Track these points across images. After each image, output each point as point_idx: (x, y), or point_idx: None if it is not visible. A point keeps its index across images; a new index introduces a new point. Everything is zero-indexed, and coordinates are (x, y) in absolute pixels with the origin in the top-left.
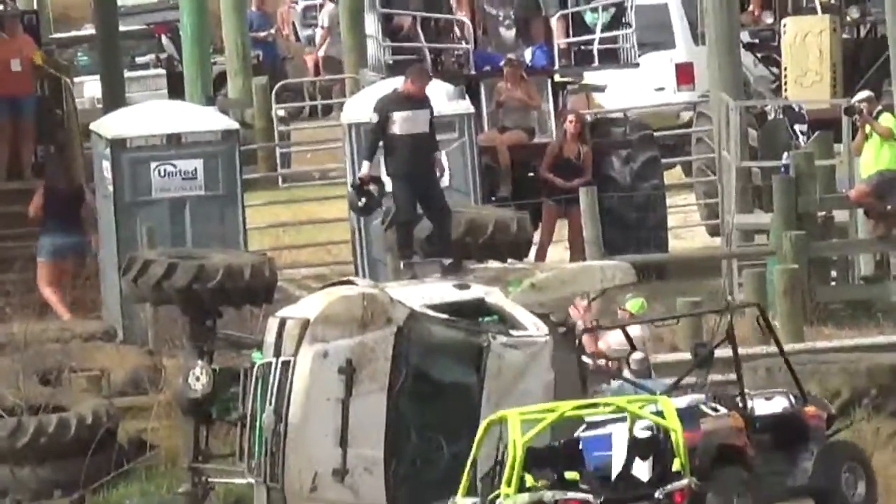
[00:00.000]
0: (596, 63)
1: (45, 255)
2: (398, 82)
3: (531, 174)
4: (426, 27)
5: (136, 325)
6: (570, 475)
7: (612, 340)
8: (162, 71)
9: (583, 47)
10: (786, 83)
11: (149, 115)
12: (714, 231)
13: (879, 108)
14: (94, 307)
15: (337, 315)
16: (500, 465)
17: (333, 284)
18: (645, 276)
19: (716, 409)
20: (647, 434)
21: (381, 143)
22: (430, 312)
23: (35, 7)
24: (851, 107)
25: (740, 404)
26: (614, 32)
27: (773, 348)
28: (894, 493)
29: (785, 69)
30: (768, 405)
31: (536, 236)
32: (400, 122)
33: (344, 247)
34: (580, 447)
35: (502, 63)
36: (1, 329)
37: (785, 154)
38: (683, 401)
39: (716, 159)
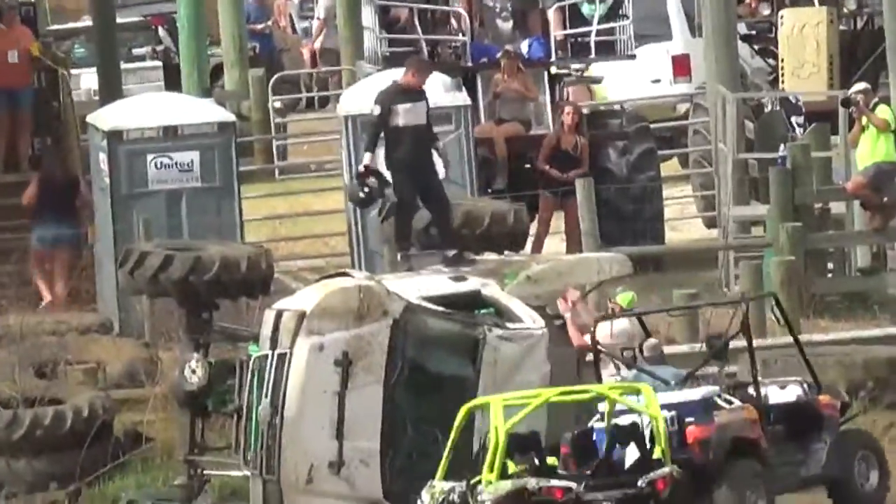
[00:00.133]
0: (593, 55)
1: (37, 243)
2: (395, 74)
3: (528, 166)
4: (423, 19)
5: (132, 318)
6: (551, 460)
7: (598, 335)
8: (158, 63)
9: (579, 39)
10: (783, 75)
11: (145, 107)
12: (710, 223)
13: (876, 99)
14: (91, 299)
15: (333, 307)
16: (483, 451)
17: (330, 276)
18: (641, 268)
19: (730, 402)
20: (629, 421)
21: (381, 136)
22: (427, 305)
23: None
24: (848, 98)
25: (754, 396)
26: (611, 24)
27: (767, 341)
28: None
29: (782, 61)
30: (782, 394)
31: (533, 228)
32: (402, 115)
33: (340, 239)
34: (594, 438)
35: (499, 55)
36: None
37: (781, 146)
38: (698, 393)
39: (712, 151)
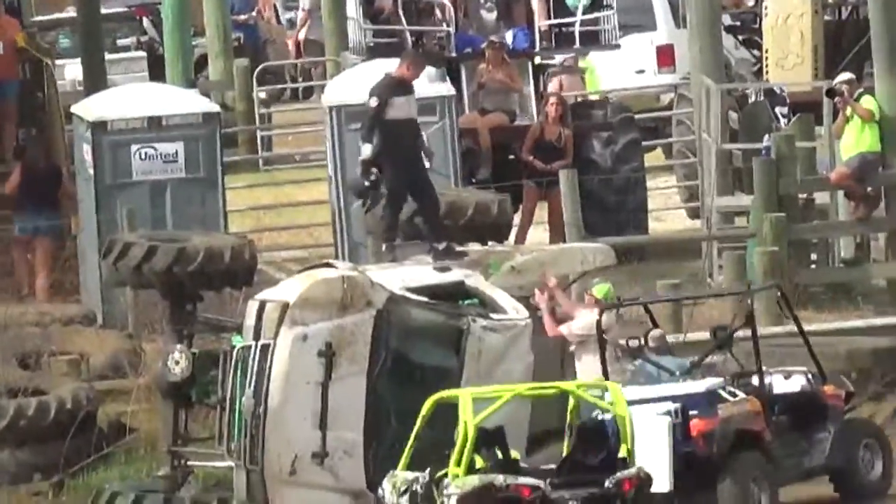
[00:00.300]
0: (577, 45)
1: (19, 233)
2: (380, 64)
3: (512, 157)
4: (407, 9)
5: (115, 309)
6: (515, 454)
7: (575, 326)
8: (143, 53)
9: (564, 29)
10: (767, 65)
11: (130, 98)
12: (694, 213)
13: (861, 90)
14: (74, 290)
15: (317, 298)
16: (450, 444)
17: (313, 267)
18: (625, 259)
19: (734, 394)
20: (595, 419)
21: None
22: (410, 295)
23: None
24: (833, 89)
25: (759, 387)
26: (595, 14)
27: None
28: None
29: (766, 51)
30: (787, 384)
31: (516, 219)
32: (397, 107)
33: (324, 229)
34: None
35: (484, 45)
36: None
37: (766, 136)
38: (702, 385)
39: (696, 141)
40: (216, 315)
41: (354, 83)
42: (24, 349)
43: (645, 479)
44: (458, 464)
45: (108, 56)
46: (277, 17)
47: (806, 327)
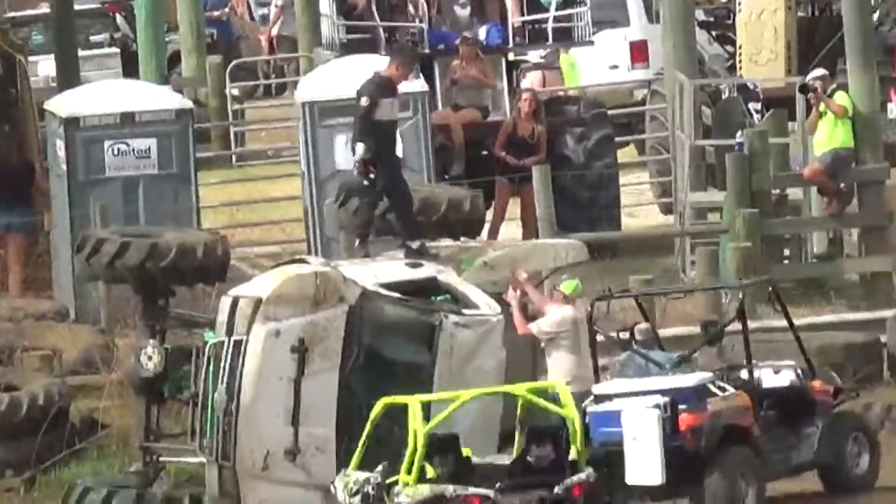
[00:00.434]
0: (550, 41)
1: None
2: (352, 61)
3: (485, 153)
4: (380, 5)
5: (88, 304)
6: (466, 451)
7: (544, 323)
8: (116, 50)
9: (537, 25)
10: (740, 61)
11: (103, 94)
12: (667, 209)
13: (834, 86)
14: (47, 286)
15: (289, 294)
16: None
17: (286, 263)
18: (598, 255)
19: (723, 389)
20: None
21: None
22: (383, 291)
23: None
24: (806, 85)
25: (748, 382)
26: (569, 10)
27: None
28: None
29: (740, 47)
30: (776, 379)
31: (489, 215)
32: (383, 108)
33: (297, 225)
34: (586, 421)
35: (458, 41)
36: None
37: (739, 132)
38: (692, 379)
39: (669, 137)
40: (189, 311)
41: (327, 79)
42: None
43: (595, 484)
44: (409, 472)
45: (81, 52)
46: (250, 13)
47: (779, 322)
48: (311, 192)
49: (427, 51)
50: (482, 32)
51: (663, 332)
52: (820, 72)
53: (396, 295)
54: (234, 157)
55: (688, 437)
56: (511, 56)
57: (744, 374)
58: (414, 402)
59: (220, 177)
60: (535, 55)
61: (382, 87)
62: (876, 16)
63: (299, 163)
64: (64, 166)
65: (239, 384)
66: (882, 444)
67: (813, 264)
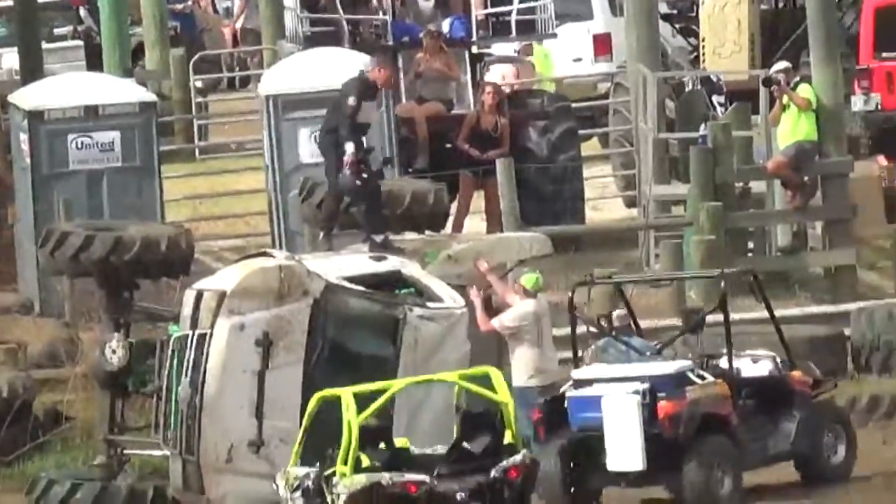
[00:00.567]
0: (514, 34)
1: None
2: (316, 53)
3: (449, 145)
4: None
5: (52, 298)
6: (401, 442)
7: (506, 318)
8: (80, 43)
9: (500, 18)
10: (704, 54)
11: (66, 87)
12: (631, 202)
13: (797, 78)
14: (11, 279)
15: (254, 287)
16: (338, 441)
17: (250, 256)
18: (562, 248)
19: (702, 377)
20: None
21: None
22: (347, 284)
23: None
24: (770, 78)
25: (727, 371)
26: (532, 3)
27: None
28: None
29: (703, 40)
30: (754, 368)
31: (453, 208)
32: (364, 111)
33: (261, 218)
34: (565, 405)
35: (422, 34)
36: None
37: (702, 125)
38: (671, 367)
39: (633, 130)
40: (153, 304)
41: (291, 72)
42: None
43: (531, 466)
44: (345, 462)
45: (44, 45)
46: (214, 6)
47: (743, 315)
48: (274, 185)
49: (391, 43)
50: (445, 25)
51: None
52: (783, 64)
53: (360, 288)
54: (197, 151)
55: (666, 425)
56: (475, 49)
57: (723, 363)
58: (347, 393)
59: (183, 170)
60: (509, 48)
61: (367, 88)
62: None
63: (263, 156)
64: (28, 159)
65: (203, 377)
66: None
67: (777, 257)
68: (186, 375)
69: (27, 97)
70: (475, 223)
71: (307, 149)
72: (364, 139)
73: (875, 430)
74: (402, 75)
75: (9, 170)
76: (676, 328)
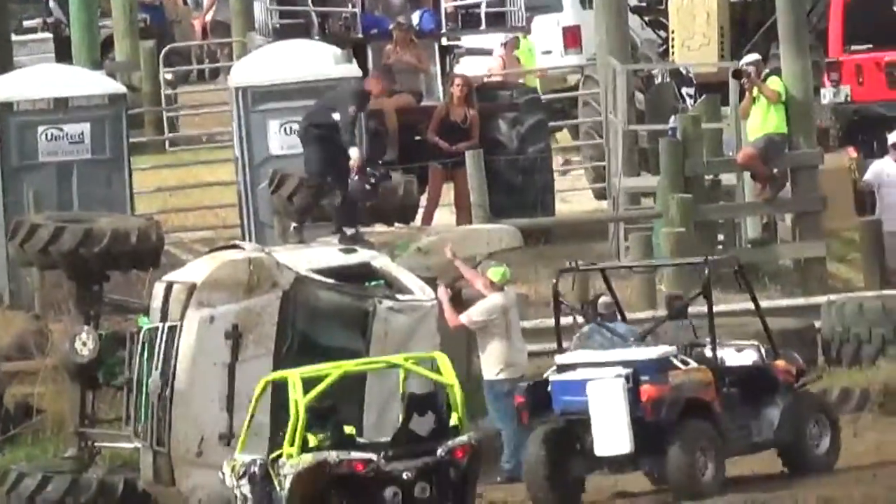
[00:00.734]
0: (483, 26)
1: None
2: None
3: (418, 138)
4: None
5: (22, 290)
6: (348, 430)
7: (474, 313)
8: (49, 35)
9: (470, 10)
10: (673, 46)
11: (36, 79)
12: (601, 194)
13: (767, 70)
14: None
15: (223, 279)
16: (284, 424)
17: (220, 248)
18: (531, 240)
19: (686, 363)
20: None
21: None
22: (317, 277)
23: None
24: (739, 70)
25: (711, 358)
26: None
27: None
28: None
29: (672, 32)
30: (738, 357)
31: (423, 200)
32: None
33: (231, 210)
34: (548, 389)
35: (391, 26)
36: None
37: (672, 117)
38: (655, 352)
39: (603, 122)
40: (123, 296)
41: (260, 64)
42: None
43: (477, 447)
44: (292, 443)
45: (13, 37)
46: None
47: (728, 307)
48: (244, 177)
49: (360, 35)
50: (415, 17)
51: None
52: (753, 57)
53: (330, 281)
54: (167, 143)
55: (649, 409)
56: (444, 41)
57: (707, 351)
58: (294, 375)
59: (153, 162)
60: (488, 40)
61: (364, 99)
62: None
63: (233, 148)
64: None
65: (173, 370)
66: None
67: (747, 250)
68: (156, 368)
69: None
70: (445, 215)
71: (277, 141)
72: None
73: (846, 423)
74: (371, 67)
75: None
76: (648, 320)
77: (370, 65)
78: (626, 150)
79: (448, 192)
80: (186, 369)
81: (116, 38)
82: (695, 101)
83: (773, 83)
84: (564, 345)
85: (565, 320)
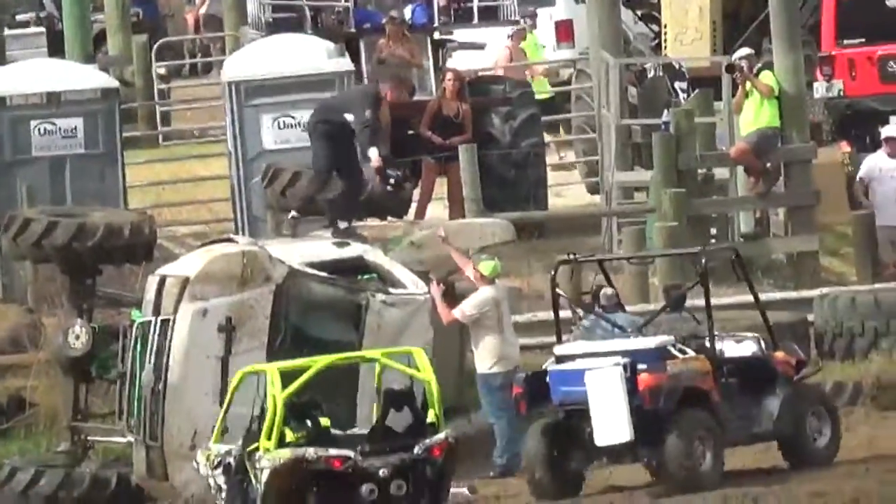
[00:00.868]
0: (476, 20)
1: None
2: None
3: (411, 132)
4: None
5: (15, 284)
6: (324, 422)
7: (467, 306)
8: (42, 29)
9: (463, 4)
10: (666, 41)
11: (29, 74)
12: (594, 189)
13: (760, 65)
14: None
15: (216, 273)
16: (261, 417)
17: (213, 242)
18: (524, 234)
19: (684, 352)
20: (402, 385)
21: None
22: (309, 270)
23: None
24: (732, 64)
25: (709, 348)
26: None
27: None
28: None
29: (665, 26)
30: (737, 349)
31: (416, 194)
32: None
33: (224, 204)
34: (547, 380)
35: (384, 21)
36: None
37: (665, 111)
38: (652, 342)
39: (595, 117)
40: (116, 290)
41: (253, 58)
42: None
43: (454, 444)
44: (269, 437)
45: (6, 32)
46: None
47: (719, 300)
48: (237, 171)
49: (353, 30)
50: (407, 12)
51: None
52: (746, 51)
53: (323, 274)
54: (160, 137)
55: (647, 397)
56: (437, 35)
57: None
58: (272, 368)
59: (146, 156)
60: (491, 34)
61: (378, 104)
62: None
63: (225, 142)
64: None
65: (166, 363)
66: None
67: (739, 244)
68: (150, 361)
69: None
70: (438, 209)
71: (270, 135)
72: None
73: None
74: (363, 62)
75: None
76: (641, 314)
77: (363, 59)
78: (618, 145)
79: (441, 186)
80: (179, 363)
81: (109, 32)
82: (688, 96)
83: (766, 77)
84: (564, 337)
85: (563, 314)
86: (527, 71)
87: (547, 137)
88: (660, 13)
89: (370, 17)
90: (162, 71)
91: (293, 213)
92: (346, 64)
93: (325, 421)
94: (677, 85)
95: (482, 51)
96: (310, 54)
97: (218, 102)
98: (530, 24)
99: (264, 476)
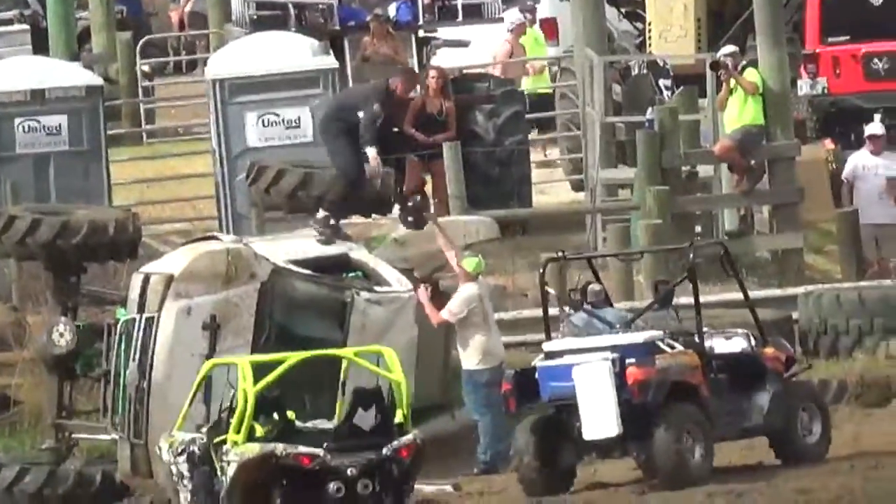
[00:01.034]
0: (460, 18)
1: None
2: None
3: (395, 129)
4: None
5: None
6: (290, 415)
7: (453, 305)
8: (26, 26)
9: (447, 2)
10: (650, 38)
11: (13, 71)
12: (578, 186)
13: (744, 62)
14: None
15: (201, 271)
16: (230, 410)
17: (198, 240)
18: (509, 232)
19: (672, 346)
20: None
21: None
22: (294, 268)
23: None
24: (717, 62)
25: (698, 342)
26: None
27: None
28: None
29: (649, 24)
30: (727, 344)
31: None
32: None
33: (208, 202)
34: (535, 376)
35: (368, 18)
36: None
37: (649, 109)
38: (641, 336)
39: (580, 114)
40: (100, 288)
41: (237, 56)
42: None
43: (421, 446)
44: (238, 431)
45: None
46: None
47: (690, 300)
48: (221, 168)
49: (337, 27)
50: (392, 9)
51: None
52: (730, 48)
53: (308, 272)
54: (144, 134)
55: (635, 391)
56: (421, 33)
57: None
58: (243, 362)
59: (130, 154)
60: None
61: (388, 98)
62: None
63: (210, 140)
64: None
65: (151, 361)
66: None
67: (724, 241)
68: (134, 359)
69: None
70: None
71: (254, 132)
72: (309, 113)
73: None
74: (347, 59)
75: None
76: (628, 311)
77: (347, 57)
78: (603, 142)
79: (425, 183)
80: (164, 361)
81: (93, 29)
82: (672, 93)
83: (751, 75)
84: (553, 334)
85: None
86: (528, 66)
87: (537, 135)
88: (644, 10)
89: (355, 15)
90: (146, 68)
91: (325, 214)
92: (330, 62)
93: (290, 414)
94: (662, 82)
95: (474, 47)
96: (294, 52)
97: (202, 100)
98: (530, 19)
99: (231, 470)
